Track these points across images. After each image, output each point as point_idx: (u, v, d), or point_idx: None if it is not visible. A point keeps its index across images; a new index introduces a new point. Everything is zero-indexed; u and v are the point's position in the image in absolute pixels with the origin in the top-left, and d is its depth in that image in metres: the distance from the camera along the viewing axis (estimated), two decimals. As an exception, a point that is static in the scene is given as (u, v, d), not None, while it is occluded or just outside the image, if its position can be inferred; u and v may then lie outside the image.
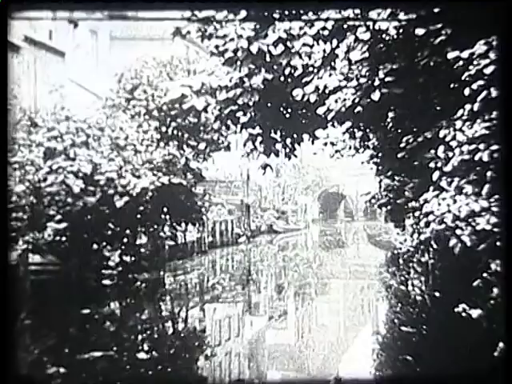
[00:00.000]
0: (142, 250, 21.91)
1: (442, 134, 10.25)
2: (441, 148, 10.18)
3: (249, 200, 41.41)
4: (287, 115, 17.18)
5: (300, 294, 20.81)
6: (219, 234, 33.37)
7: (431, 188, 10.43)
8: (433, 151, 10.67)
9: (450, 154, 9.89)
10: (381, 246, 35.25)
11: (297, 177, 56.52)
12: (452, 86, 10.70)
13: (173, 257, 25.70)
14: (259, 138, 17.56)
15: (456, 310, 11.21)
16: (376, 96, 12.69)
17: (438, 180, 10.13)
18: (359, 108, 13.10)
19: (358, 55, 12.37)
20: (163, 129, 20.99)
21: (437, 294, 17.40)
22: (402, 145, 13.19)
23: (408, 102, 12.97)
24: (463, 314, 11.18)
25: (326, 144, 22.58)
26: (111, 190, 17.99)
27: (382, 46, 12.21)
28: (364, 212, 62.93)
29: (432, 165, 10.58)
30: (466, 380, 8.78)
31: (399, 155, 13.59)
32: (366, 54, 12.33)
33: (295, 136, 18.12)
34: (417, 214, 10.70)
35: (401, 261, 24.81)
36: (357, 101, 12.83)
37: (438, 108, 11.67)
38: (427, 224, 9.80)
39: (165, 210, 20.80)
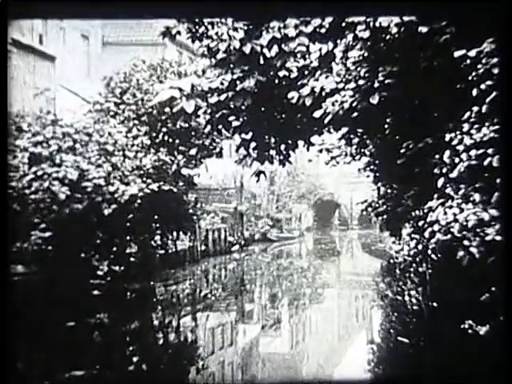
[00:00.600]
0: (132, 259, 21.19)
1: (447, 137, 9.50)
2: (447, 153, 9.43)
3: (242, 208, 40.61)
4: (281, 120, 16.45)
5: (294, 304, 20.16)
6: (212, 243, 32.45)
7: (436, 196, 9.67)
8: (437, 156, 9.92)
9: (457, 160, 9.16)
10: (376, 255, 34.63)
11: (291, 185, 55.80)
12: (458, 86, 9.96)
13: (164, 266, 24.97)
14: (252, 144, 16.83)
15: (461, 325, 10.60)
16: (375, 99, 11.99)
17: (443, 187, 9.38)
18: (357, 112, 12.40)
19: (356, 55, 11.64)
20: (153, 134, 20.17)
21: (435, 304, 16.60)
22: (402, 150, 12.49)
23: (409, 106, 12.30)
24: (464, 327, 10.59)
25: (321, 151, 21.96)
26: (99, 197, 17.23)
27: (382, 45, 11.50)
28: (359, 220, 62.25)
29: (436, 171, 9.82)
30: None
31: (399, 161, 12.90)
32: (366, 54, 11.61)
33: (290, 142, 17.41)
34: (420, 223, 9.91)
35: (397, 271, 24.25)
36: (355, 104, 12.12)
37: (443, 111, 10.91)
38: (432, 234, 9.04)
39: (155, 217, 20.00)
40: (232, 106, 14.92)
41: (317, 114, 12.65)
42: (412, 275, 21.64)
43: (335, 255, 39.46)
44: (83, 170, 17.28)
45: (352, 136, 17.55)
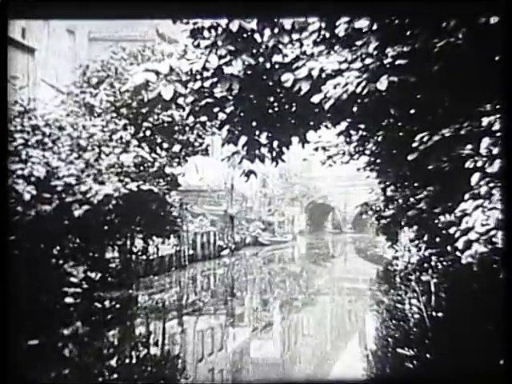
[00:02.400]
0: (112, 265, 19.16)
1: (485, 122, 7.35)
2: (484, 141, 7.28)
3: (233, 210, 38.60)
4: (274, 113, 14.27)
5: (286, 311, 18.51)
6: (200, 247, 30.49)
7: (467, 196, 7.53)
8: (470, 147, 7.80)
9: (496, 150, 7.05)
10: (372, 261, 32.94)
11: (284, 187, 54.01)
12: (496, 58, 7.82)
13: (147, 272, 23.08)
14: (242, 140, 14.66)
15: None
16: (383, 85, 9.90)
17: (478, 185, 7.25)
18: (362, 98, 10.32)
19: (364, 25, 9.50)
20: (133, 128, 17.89)
21: (440, 316, 15.38)
22: (415, 144, 10.41)
23: (425, 91, 10.25)
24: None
25: (317, 149, 20.03)
26: (70, 197, 15.09)
27: (394, 17, 9.39)
28: (352, 224, 60.70)
29: (469, 165, 7.67)
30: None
31: (410, 157, 10.83)
32: (374, 27, 9.49)
33: (283, 138, 15.24)
34: (451, 230, 7.82)
35: (397, 278, 22.45)
36: (360, 89, 10.02)
37: (475, 91, 8.76)
38: (468, 244, 6.91)
39: (135, 220, 17.77)
40: (217, 96, 12.81)
41: (316, 98, 10.48)
42: (413, 283, 20.09)
43: (329, 260, 37.59)
44: (52, 167, 15.14)
45: (353, 132, 15.58)
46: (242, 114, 13.78)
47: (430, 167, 10.47)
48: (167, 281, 23.63)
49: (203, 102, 12.76)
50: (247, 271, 29.65)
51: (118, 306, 17.56)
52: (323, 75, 10.33)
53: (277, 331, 15.67)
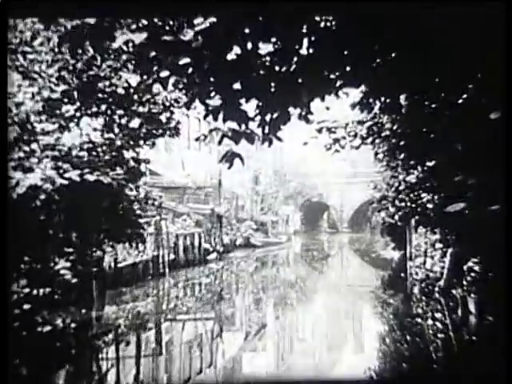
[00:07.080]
0: (65, 278, 14.69)
1: None
2: None
3: (221, 209, 34.30)
4: (265, 70, 9.50)
5: (282, 322, 15.82)
6: (183, 251, 26.17)
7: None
8: None
9: None
10: (377, 266, 29.08)
11: (277, 184, 50.29)
12: None
13: (115, 283, 18.78)
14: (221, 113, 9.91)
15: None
16: None
17: None
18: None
19: None
20: (77, 97, 12.94)
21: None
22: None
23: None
24: None
25: (320, 130, 15.65)
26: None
27: None
28: (349, 223, 57.15)
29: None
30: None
31: (493, 115, 6.26)
32: None
33: (278, 110, 10.49)
34: None
35: (415, 289, 19.46)
36: None
37: None
38: None
39: (82, 221, 13.05)
40: (181, 37, 8.08)
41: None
42: (437, 295, 17.27)
43: (327, 263, 33.69)
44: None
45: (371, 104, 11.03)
46: (218, 70, 8.98)
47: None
48: (140, 292, 19.50)
49: (161, 47, 7.96)
50: (238, 277, 25.72)
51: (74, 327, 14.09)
52: None
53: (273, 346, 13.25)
